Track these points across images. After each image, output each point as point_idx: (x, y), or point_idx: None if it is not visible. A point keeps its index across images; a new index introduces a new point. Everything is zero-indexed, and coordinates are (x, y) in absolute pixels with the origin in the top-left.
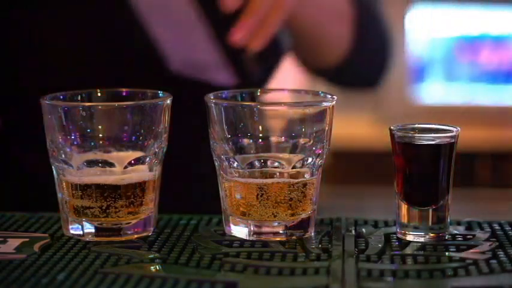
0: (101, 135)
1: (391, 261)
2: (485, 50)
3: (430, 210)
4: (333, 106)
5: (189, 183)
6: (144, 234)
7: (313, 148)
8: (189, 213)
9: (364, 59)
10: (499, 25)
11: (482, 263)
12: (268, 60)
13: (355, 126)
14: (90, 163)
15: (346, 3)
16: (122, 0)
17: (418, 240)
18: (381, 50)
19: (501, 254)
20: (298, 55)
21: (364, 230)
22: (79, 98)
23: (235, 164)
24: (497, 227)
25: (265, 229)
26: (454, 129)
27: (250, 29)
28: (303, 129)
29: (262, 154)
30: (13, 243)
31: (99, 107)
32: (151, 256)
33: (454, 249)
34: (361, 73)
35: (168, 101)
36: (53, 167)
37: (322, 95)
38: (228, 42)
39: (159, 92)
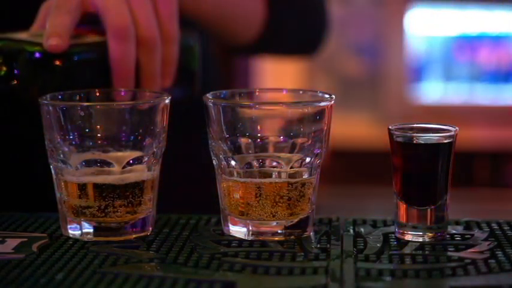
0: (99, 135)
1: (390, 261)
2: (484, 49)
3: (429, 210)
4: (331, 106)
5: (187, 183)
6: (143, 234)
7: (312, 148)
8: (187, 212)
9: (288, 29)
10: (498, 25)
11: (480, 263)
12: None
13: (354, 125)
14: (89, 163)
15: None
16: None
17: (416, 240)
18: (309, 16)
19: (499, 253)
20: (212, 36)
21: (362, 229)
22: (77, 97)
23: (233, 164)
24: (495, 226)
25: (263, 229)
26: (453, 129)
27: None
28: (302, 129)
29: (260, 154)
30: (12, 243)
31: (98, 106)
32: (150, 256)
33: (453, 249)
34: (287, 42)
35: (167, 101)
36: (51, 166)
37: (320, 94)
38: None
39: (158, 91)
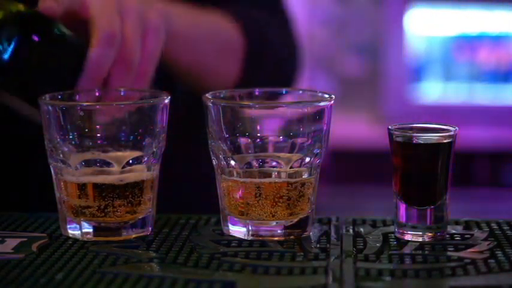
0: (99, 134)
1: (389, 261)
2: (484, 49)
3: (428, 210)
4: (331, 105)
5: (187, 183)
6: (142, 233)
7: (311, 148)
8: (187, 212)
9: (262, 79)
10: (497, 24)
11: (480, 263)
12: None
13: (354, 125)
14: (88, 163)
15: (235, 38)
16: None
17: (416, 239)
18: (283, 65)
19: (499, 253)
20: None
21: (362, 229)
22: (77, 97)
23: (233, 164)
24: (495, 226)
25: (263, 229)
26: (452, 129)
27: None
28: (301, 129)
29: (260, 154)
30: (11, 242)
31: (97, 106)
32: (150, 256)
33: (452, 249)
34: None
35: (166, 101)
36: (51, 166)
37: (320, 94)
38: None
39: (158, 91)
